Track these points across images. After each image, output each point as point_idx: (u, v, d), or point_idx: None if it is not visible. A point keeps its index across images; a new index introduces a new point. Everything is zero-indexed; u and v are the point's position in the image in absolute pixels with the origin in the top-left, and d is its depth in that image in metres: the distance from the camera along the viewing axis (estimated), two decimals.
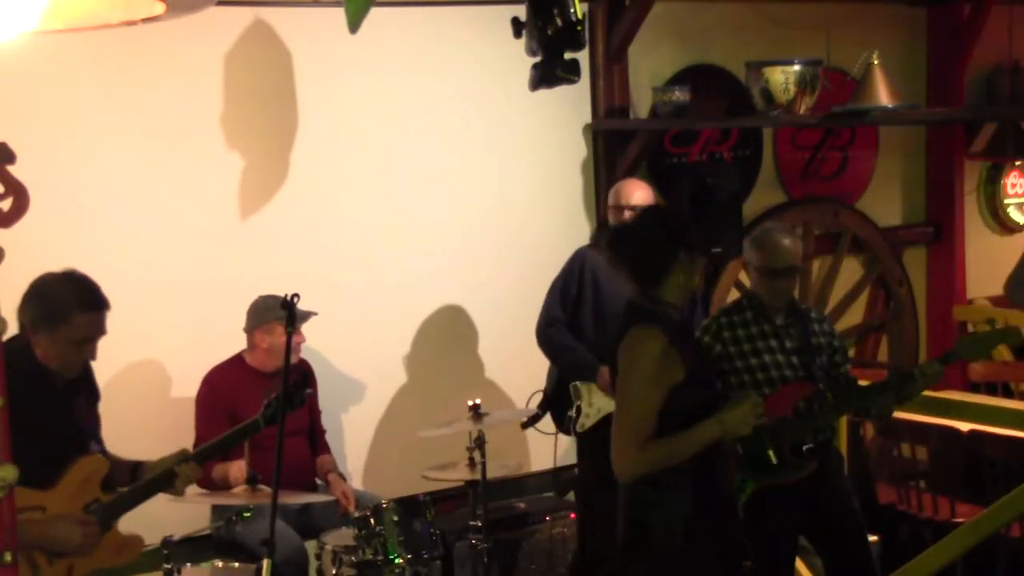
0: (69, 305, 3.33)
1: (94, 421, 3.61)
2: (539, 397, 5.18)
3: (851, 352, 6.53)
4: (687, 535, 3.33)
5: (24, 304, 3.34)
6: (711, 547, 3.38)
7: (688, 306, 4.98)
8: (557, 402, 5.05)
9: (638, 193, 4.95)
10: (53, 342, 3.34)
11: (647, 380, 3.28)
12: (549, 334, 4.99)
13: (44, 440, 3.24)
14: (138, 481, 3.52)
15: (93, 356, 3.45)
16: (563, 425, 5.05)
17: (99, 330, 3.41)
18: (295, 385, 3.61)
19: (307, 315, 4.50)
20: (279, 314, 4.59)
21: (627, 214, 4.89)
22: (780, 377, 4.08)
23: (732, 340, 4.12)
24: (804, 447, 4.07)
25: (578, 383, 4.92)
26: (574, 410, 4.92)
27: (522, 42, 4.45)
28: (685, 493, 3.33)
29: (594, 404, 4.88)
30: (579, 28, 4.18)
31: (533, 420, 5.19)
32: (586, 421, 4.89)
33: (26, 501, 3.22)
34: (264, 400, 3.67)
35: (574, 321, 4.96)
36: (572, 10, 4.15)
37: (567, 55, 4.31)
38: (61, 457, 3.37)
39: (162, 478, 3.51)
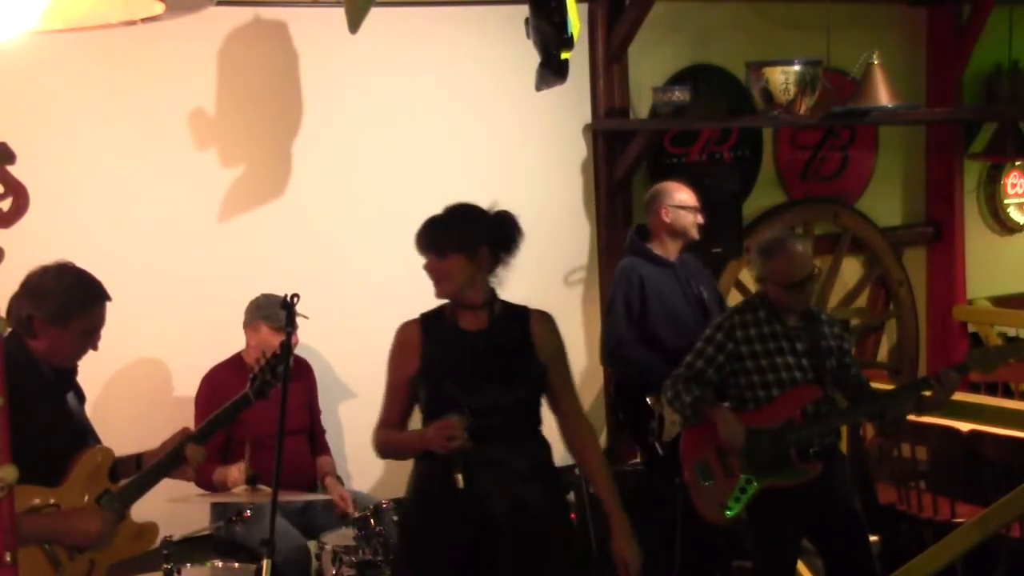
0: (81, 298, 3.37)
1: (85, 418, 3.63)
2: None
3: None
4: (403, 509, 3.58)
5: (28, 301, 3.34)
6: (412, 530, 3.49)
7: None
8: (639, 418, 4.91)
9: (695, 197, 4.98)
10: (66, 334, 3.36)
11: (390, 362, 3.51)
12: (623, 353, 4.86)
13: (47, 436, 3.29)
14: (143, 468, 3.54)
15: (96, 346, 3.47)
16: (644, 439, 4.90)
17: (104, 319, 3.46)
18: (276, 357, 3.62)
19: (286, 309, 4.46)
20: (263, 312, 4.64)
21: (699, 216, 4.94)
22: (790, 379, 4.09)
23: (744, 340, 4.13)
24: (810, 450, 4.08)
25: (659, 394, 4.69)
26: (656, 421, 4.78)
27: (520, 42, 4.47)
28: (414, 474, 3.50)
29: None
30: (563, 30, 4.20)
31: (613, 446, 5.16)
32: (673, 429, 4.70)
33: (40, 499, 3.27)
34: (249, 375, 3.70)
35: (645, 333, 4.85)
36: (564, 10, 4.16)
37: (563, 55, 4.32)
38: (64, 452, 3.39)
39: (170, 460, 3.53)
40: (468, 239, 3.37)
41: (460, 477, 3.26)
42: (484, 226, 3.41)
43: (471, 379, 3.36)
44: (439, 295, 3.44)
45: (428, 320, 3.48)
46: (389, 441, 3.49)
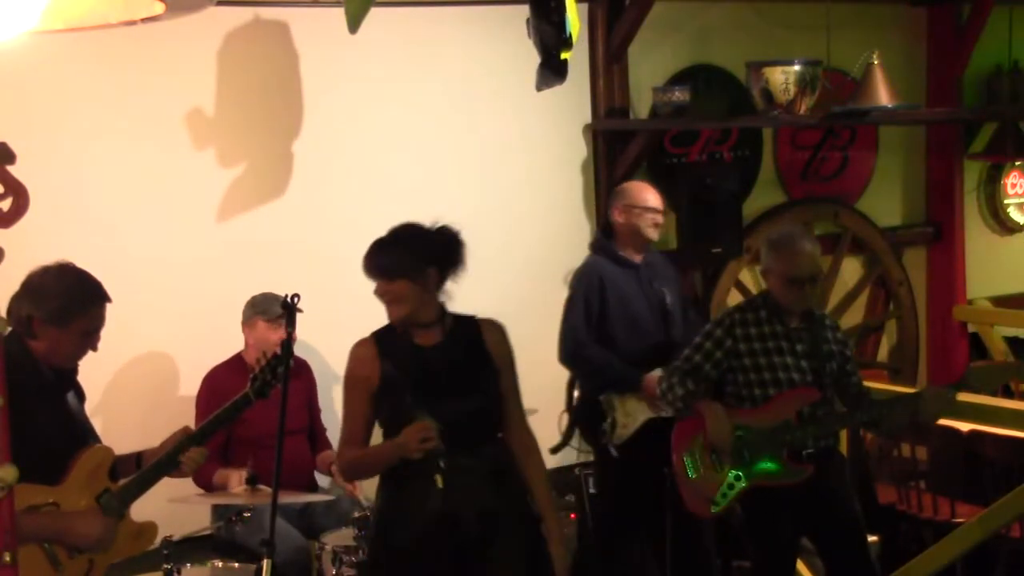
0: (81, 299, 3.37)
1: (85, 417, 3.63)
2: (561, 419, 5.13)
3: None
4: (376, 530, 3.56)
5: (28, 301, 3.34)
6: (390, 547, 3.46)
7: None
8: (591, 418, 4.89)
9: (657, 197, 4.95)
10: (65, 335, 3.36)
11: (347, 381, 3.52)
12: (585, 355, 4.80)
13: (47, 436, 3.30)
14: (143, 467, 3.53)
15: (95, 347, 3.48)
16: (598, 441, 4.88)
17: (104, 321, 3.46)
18: (276, 357, 3.60)
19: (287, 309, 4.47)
20: (258, 308, 4.65)
21: (657, 217, 4.90)
22: (788, 380, 4.09)
23: (744, 337, 4.13)
24: (804, 452, 4.08)
25: (611, 395, 4.75)
26: (608, 424, 4.76)
27: (520, 42, 4.47)
28: (383, 492, 3.52)
29: (630, 413, 4.74)
30: (562, 30, 4.21)
31: (565, 443, 5.17)
32: (624, 432, 4.73)
33: (40, 498, 3.28)
34: (249, 375, 3.69)
35: (602, 333, 4.81)
36: (564, 10, 4.17)
37: (563, 55, 4.33)
38: (64, 452, 3.39)
39: (170, 459, 3.52)
40: (417, 262, 3.41)
41: (439, 477, 3.29)
42: (430, 247, 3.44)
43: (430, 394, 3.38)
44: (392, 320, 3.47)
45: (381, 337, 3.50)
46: (356, 458, 3.51)
